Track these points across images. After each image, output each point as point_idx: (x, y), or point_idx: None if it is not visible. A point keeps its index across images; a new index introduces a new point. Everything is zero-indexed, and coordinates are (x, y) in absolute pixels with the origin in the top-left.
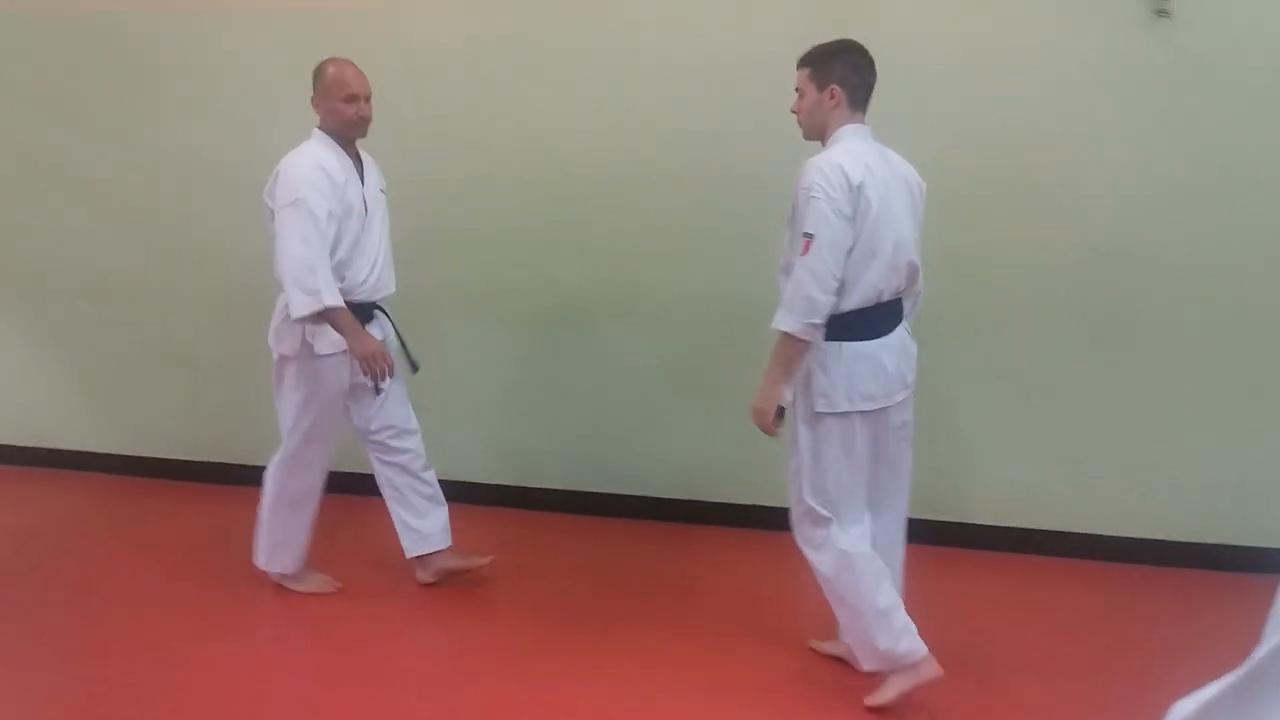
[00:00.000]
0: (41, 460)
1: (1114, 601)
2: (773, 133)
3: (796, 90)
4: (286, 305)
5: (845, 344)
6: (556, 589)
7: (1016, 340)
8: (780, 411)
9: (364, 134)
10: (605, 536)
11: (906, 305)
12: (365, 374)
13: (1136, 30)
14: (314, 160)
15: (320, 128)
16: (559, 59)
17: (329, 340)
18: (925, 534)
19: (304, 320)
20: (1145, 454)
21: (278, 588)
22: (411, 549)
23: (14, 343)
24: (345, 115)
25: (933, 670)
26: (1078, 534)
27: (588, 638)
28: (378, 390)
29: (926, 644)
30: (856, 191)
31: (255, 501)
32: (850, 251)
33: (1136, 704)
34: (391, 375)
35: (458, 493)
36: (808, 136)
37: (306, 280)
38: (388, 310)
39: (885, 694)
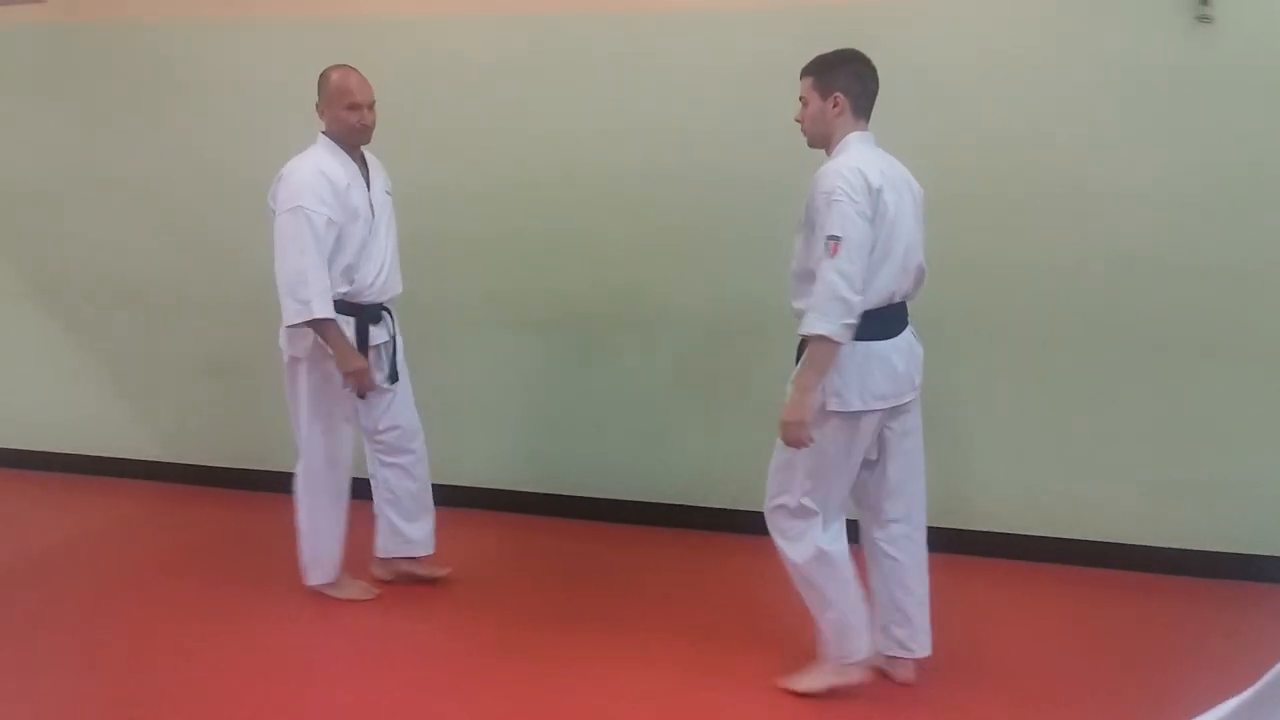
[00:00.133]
0: (85, 467)
1: (1143, 612)
2: (778, 139)
3: (800, 99)
4: None
5: (859, 343)
6: (559, 592)
7: (1025, 344)
8: None
9: (367, 140)
10: (611, 542)
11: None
12: (345, 386)
13: (1178, 35)
14: (316, 166)
15: (324, 133)
16: (568, 67)
17: None
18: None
19: (295, 328)
20: (1164, 461)
21: (315, 594)
22: (392, 550)
23: (61, 352)
24: (348, 122)
25: (863, 676)
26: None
27: (593, 638)
28: (362, 396)
29: (937, 650)
30: (876, 195)
31: (291, 507)
32: (869, 253)
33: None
34: (372, 390)
35: (465, 498)
36: (812, 144)
37: (299, 290)
38: (393, 312)
39: (814, 682)
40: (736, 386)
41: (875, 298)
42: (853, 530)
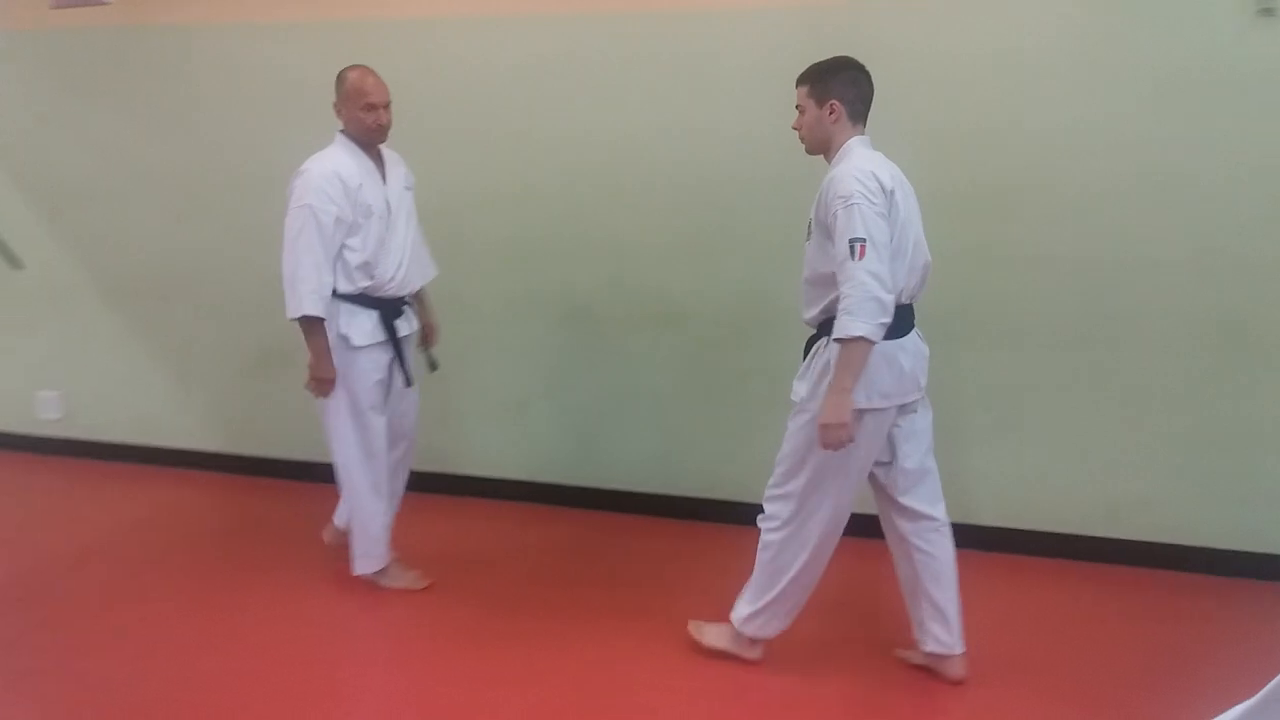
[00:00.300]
0: (153, 458)
1: (1149, 608)
2: (788, 139)
3: (797, 108)
4: None
5: None
6: (565, 582)
7: (1029, 339)
8: None
9: (384, 139)
10: (627, 532)
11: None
12: (307, 385)
13: (1244, 30)
14: (329, 165)
15: (342, 132)
16: (585, 69)
17: (363, 331)
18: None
19: (295, 320)
20: (1173, 457)
21: (368, 584)
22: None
23: (129, 346)
24: (364, 123)
25: (758, 655)
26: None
27: (604, 625)
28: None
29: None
30: (890, 195)
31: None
32: None
33: None
34: (327, 398)
35: (487, 489)
36: (810, 151)
37: (295, 285)
38: (414, 305)
39: (715, 639)
40: (749, 382)
41: (894, 290)
42: (873, 526)
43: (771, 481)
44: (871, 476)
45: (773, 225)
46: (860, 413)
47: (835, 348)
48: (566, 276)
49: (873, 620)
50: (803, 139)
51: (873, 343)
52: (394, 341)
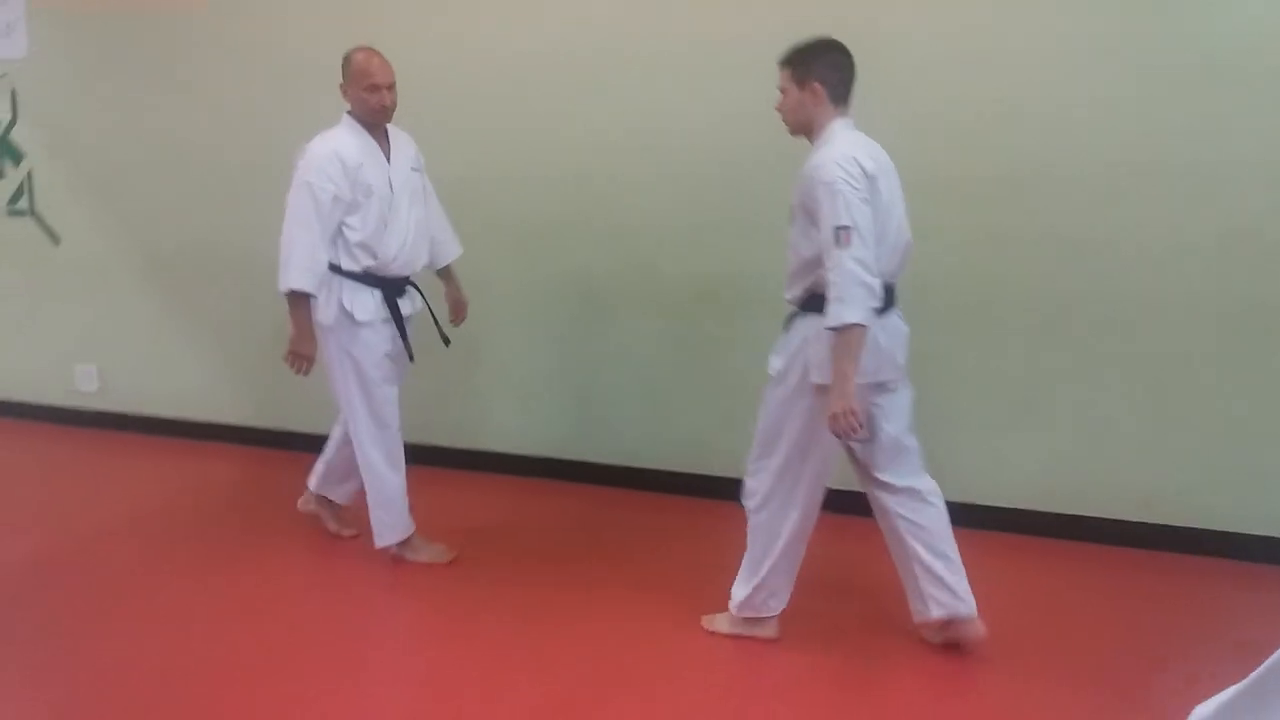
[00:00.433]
0: (187, 432)
1: (1133, 586)
2: (774, 122)
3: (779, 90)
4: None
5: None
6: (582, 556)
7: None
8: None
9: (388, 120)
10: (624, 506)
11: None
12: (286, 359)
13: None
14: (331, 146)
15: (348, 113)
16: (588, 65)
17: (366, 308)
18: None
19: (285, 295)
20: (1149, 436)
21: (394, 558)
22: (318, 488)
23: (163, 322)
24: (369, 103)
25: (774, 633)
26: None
27: (622, 600)
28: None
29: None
30: (872, 181)
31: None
32: None
33: None
34: (305, 375)
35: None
36: (793, 132)
37: (288, 260)
38: (419, 285)
39: (727, 627)
40: (736, 358)
41: (879, 274)
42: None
43: (751, 455)
44: (850, 453)
45: (767, 207)
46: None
47: (813, 324)
48: (567, 258)
49: (887, 598)
50: (786, 121)
51: (866, 328)
52: (397, 319)
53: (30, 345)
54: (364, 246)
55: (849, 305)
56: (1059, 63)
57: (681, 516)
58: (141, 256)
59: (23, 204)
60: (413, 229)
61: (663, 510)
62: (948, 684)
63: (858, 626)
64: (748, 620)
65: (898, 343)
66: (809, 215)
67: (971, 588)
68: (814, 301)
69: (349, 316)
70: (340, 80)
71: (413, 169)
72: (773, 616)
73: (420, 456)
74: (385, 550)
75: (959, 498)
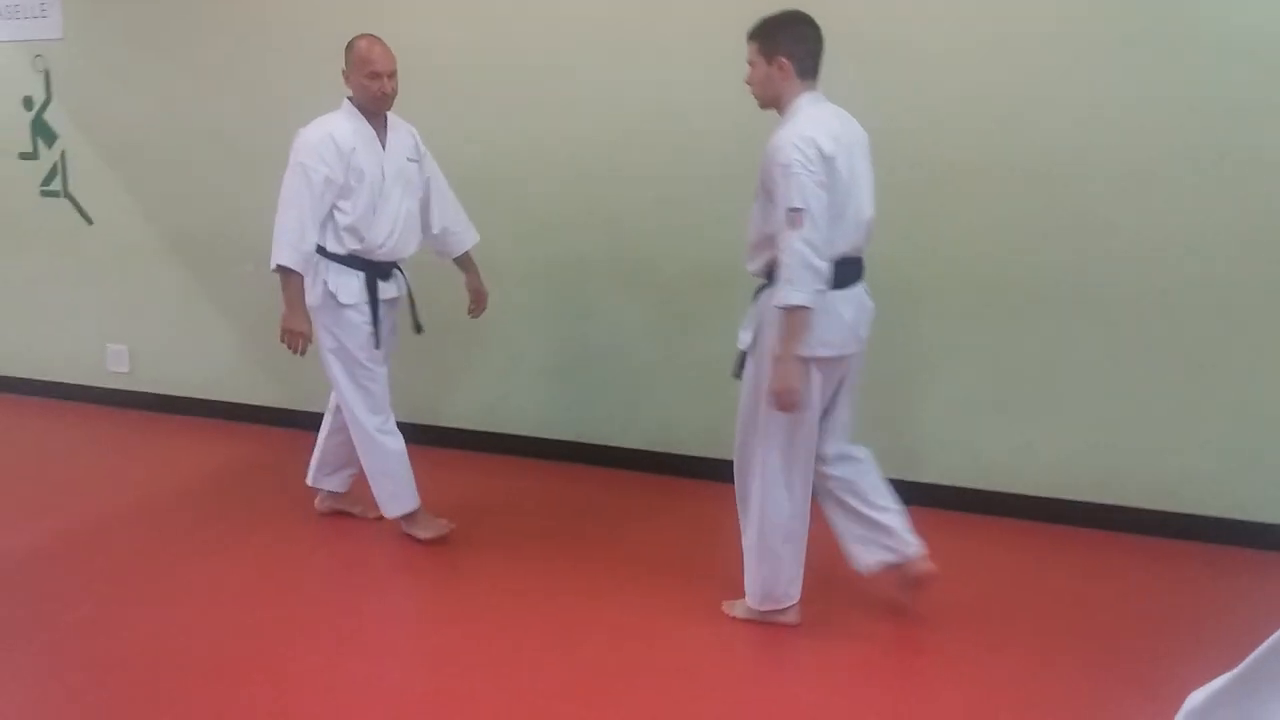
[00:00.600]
0: (215, 412)
1: (1089, 566)
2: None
3: (749, 63)
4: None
5: None
6: (596, 540)
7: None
8: None
9: (388, 107)
10: (608, 486)
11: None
12: (281, 338)
13: None
14: (327, 129)
15: (349, 99)
16: (591, 60)
17: (350, 290)
18: None
19: (276, 272)
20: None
21: (405, 535)
22: (314, 482)
23: (192, 303)
24: (369, 90)
25: (796, 619)
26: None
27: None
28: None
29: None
30: (829, 162)
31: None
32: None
33: None
34: (302, 354)
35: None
36: (762, 106)
37: (278, 238)
38: (404, 271)
39: (740, 612)
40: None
41: (829, 256)
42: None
43: (737, 440)
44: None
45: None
46: (806, 361)
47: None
48: (559, 239)
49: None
50: (754, 94)
51: (811, 310)
52: (373, 303)
53: (64, 326)
54: (352, 231)
55: (796, 287)
56: (1090, 48)
57: (699, 500)
58: (173, 238)
59: (56, 185)
60: (403, 217)
61: (678, 493)
62: (969, 670)
63: (878, 612)
64: (765, 612)
65: (863, 318)
66: (768, 193)
67: (996, 576)
68: (776, 274)
69: (333, 298)
70: (343, 67)
71: (409, 159)
72: (793, 604)
73: (421, 437)
74: (397, 525)
75: (984, 484)
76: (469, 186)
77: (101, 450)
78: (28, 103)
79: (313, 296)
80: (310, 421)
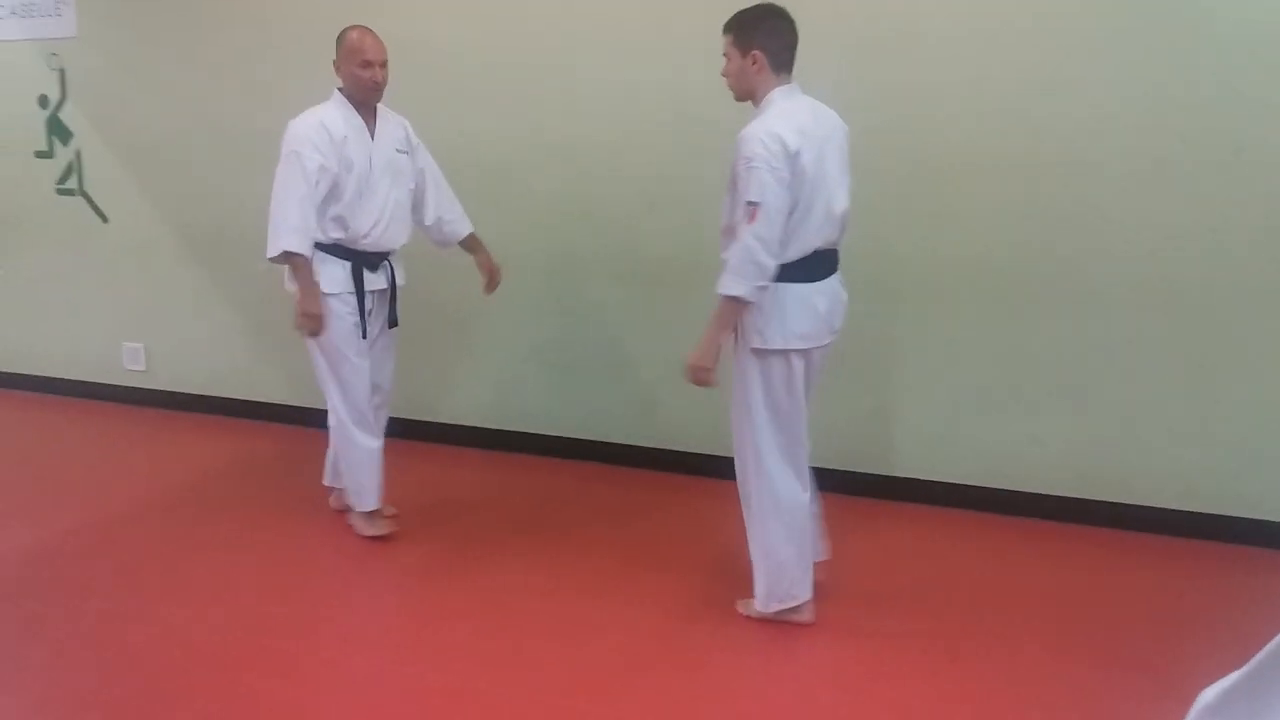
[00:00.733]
0: (229, 410)
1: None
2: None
3: (724, 55)
4: None
5: (782, 285)
6: (602, 537)
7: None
8: None
9: (378, 97)
10: (606, 481)
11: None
12: (297, 323)
13: None
14: (318, 118)
15: (340, 89)
16: (591, 57)
17: (334, 279)
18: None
19: (274, 261)
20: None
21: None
22: (332, 481)
23: (207, 301)
24: (360, 79)
25: (809, 617)
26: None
27: (644, 579)
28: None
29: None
30: (794, 158)
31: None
32: (790, 213)
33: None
34: (319, 336)
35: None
36: (738, 99)
37: (278, 224)
38: (393, 263)
39: (754, 611)
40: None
41: (799, 250)
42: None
43: (734, 440)
44: None
45: None
46: (785, 354)
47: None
48: (547, 235)
49: (919, 581)
50: (730, 87)
51: (748, 303)
52: (359, 294)
53: (80, 324)
54: (337, 219)
55: (738, 278)
56: (1101, 38)
57: (703, 496)
58: (188, 236)
59: (71, 183)
60: (390, 208)
61: (682, 490)
62: (981, 667)
63: (888, 608)
64: (776, 610)
65: (837, 309)
66: (734, 184)
67: (1008, 574)
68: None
69: (318, 289)
70: (334, 57)
71: (399, 150)
72: (804, 602)
73: (420, 433)
74: (397, 523)
75: (995, 483)
76: (469, 183)
77: (116, 448)
78: (43, 101)
79: (294, 288)
80: (323, 419)
